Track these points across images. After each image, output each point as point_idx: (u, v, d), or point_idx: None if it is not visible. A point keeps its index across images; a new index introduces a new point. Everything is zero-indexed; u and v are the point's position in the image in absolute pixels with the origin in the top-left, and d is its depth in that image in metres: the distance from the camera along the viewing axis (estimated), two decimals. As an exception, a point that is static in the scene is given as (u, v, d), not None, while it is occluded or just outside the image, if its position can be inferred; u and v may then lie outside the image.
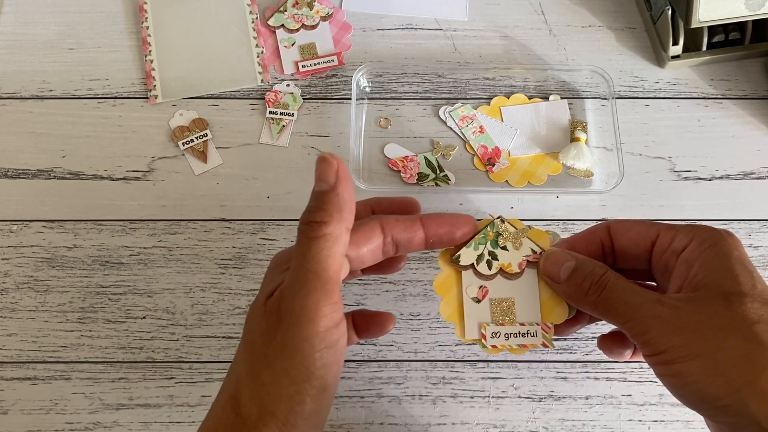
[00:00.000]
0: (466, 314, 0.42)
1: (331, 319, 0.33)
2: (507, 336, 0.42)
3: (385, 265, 0.41)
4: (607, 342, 0.40)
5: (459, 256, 0.43)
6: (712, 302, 0.32)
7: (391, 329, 0.41)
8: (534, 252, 0.42)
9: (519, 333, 0.42)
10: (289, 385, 0.33)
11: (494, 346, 0.42)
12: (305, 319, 0.33)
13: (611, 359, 0.42)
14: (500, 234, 0.43)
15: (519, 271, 0.42)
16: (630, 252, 0.38)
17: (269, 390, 0.33)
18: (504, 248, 0.43)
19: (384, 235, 0.37)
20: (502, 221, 0.42)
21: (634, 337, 0.33)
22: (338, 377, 0.35)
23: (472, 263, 0.43)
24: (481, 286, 0.42)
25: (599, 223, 0.40)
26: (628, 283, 0.35)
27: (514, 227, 0.42)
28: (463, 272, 0.43)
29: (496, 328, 0.42)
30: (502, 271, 0.42)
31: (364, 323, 0.41)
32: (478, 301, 0.43)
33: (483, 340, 0.42)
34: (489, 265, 0.43)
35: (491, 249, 0.43)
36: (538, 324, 0.42)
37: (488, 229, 0.43)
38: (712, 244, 0.34)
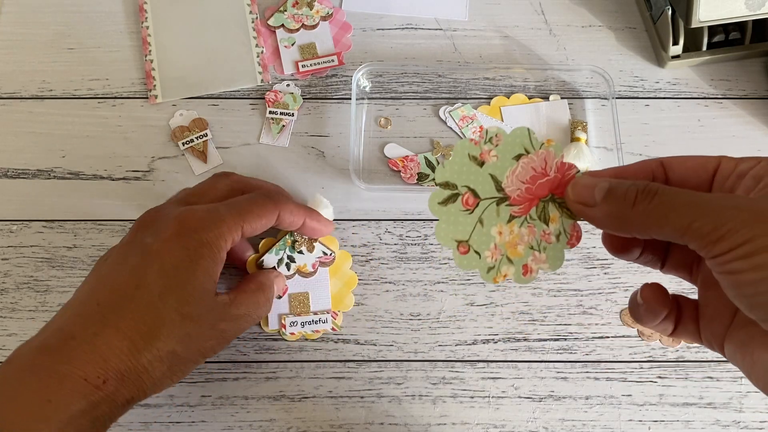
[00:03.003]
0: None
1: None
2: (303, 324, 0.53)
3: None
4: (648, 293, 0.34)
5: (263, 261, 0.52)
6: None
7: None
8: (325, 254, 0.53)
9: (312, 321, 0.53)
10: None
11: (293, 333, 0.52)
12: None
13: (642, 323, 0.35)
14: (296, 240, 0.52)
15: (313, 270, 0.53)
16: (689, 183, 0.33)
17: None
18: (300, 252, 0.52)
19: (277, 217, 0.47)
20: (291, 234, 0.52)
21: (703, 237, 0.28)
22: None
23: (274, 266, 0.52)
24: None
25: (649, 158, 0.35)
26: (681, 188, 0.30)
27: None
28: None
29: (293, 318, 0.52)
30: (299, 271, 0.53)
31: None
32: (279, 297, 0.53)
33: (283, 329, 0.53)
34: (288, 266, 0.52)
35: (289, 254, 0.52)
36: (328, 312, 0.53)
37: (287, 237, 0.52)
38: None
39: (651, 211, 0.30)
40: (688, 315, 0.33)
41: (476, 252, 0.32)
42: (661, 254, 0.35)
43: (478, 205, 0.32)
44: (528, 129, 0.33)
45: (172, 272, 0.41)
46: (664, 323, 0.34)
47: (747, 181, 0.30)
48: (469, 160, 0.32)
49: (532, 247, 0.33)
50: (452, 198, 0.32)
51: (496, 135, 0.33)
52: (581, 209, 0.32)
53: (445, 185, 0.32)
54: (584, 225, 0.39)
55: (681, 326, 0.34)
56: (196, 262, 0.42)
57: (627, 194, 0.30)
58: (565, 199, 0.33)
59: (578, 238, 0.33)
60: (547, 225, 0.33)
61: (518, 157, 0.33)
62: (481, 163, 0.33)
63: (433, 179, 0.34)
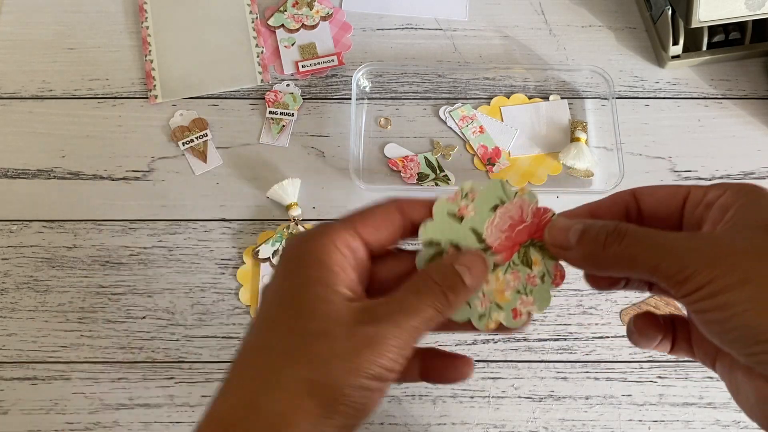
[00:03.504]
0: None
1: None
2: None
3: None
4: (640, 323, 0.35)
5: (258, 251, 0.53)
6: (755, 234, 0.29)
7: (470, 376, 0.36)
8: None
9: None
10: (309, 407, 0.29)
11: None
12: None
13: (640, 347, 0.36)
14: (292, 232, 0.52)
15: None
16: (660, 213, 0.33)
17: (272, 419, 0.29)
18: None
19: (401, 216, 0.35)
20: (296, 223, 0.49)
21: (669, 278, 0.29)
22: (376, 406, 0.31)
23: (269, 257, 0.52)
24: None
25: (621, 190, 0.35)
26: (649, 228, 0.31)
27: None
28: (261, 264, 0.55)
29: None
30: None
31: (436, 365, 0.36)
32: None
33: None
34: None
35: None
36: None
37: (284, 229, 0.53)
38: (749, 191, 0.31)
39: (621, 253, 0.30)
40: (682, 336, 0.34)
41: (467, 303, 0.33)
42: (644, 283, 0.35)
43: None
44: (501, 181, 0.34)
45: (278, 297, 0.34)
46: (661, 345, 0.34)
47: (714, 211, 0.31)
48: (449, 218, 0.34)
49: (519, 292, 0.34)
50: (438, 255, 0.34)
51: (471, 190, 0.34)
52: (559, 252, 0.33)
53: (429, 244, 0.34)
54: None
55: (677, 346, 0.34)
56: (298, 274, 0.34)
57: (598, 237, 0.31)
58: (544, 242, 0.34)
59: (562, 277, 0.34)
60: (531, 268, 0.34)
61: (495, 208, 0.34)
62: (461, 219, 0.34)
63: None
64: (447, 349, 0.55)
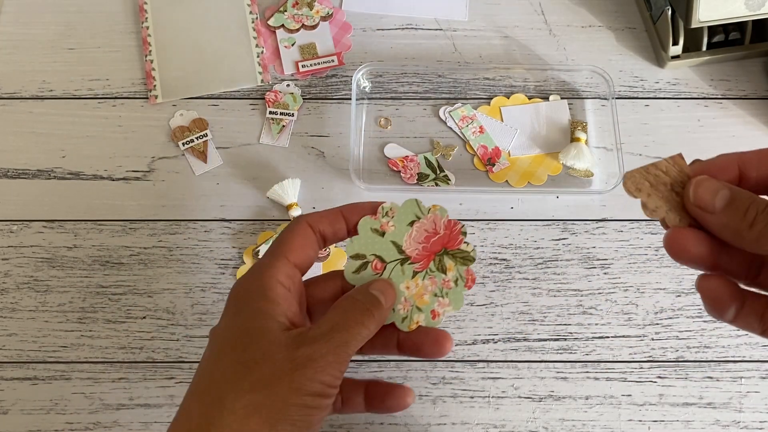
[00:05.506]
0: None
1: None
2: None
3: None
4: (715, 286, 0.31)
5: (258, 251, 0.55)
6: None
7: (410, 404, 0.39)
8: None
9: None
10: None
11: None
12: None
13: (713, 317, 0.32)
14: None
15: None
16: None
17: None
18: None
19: (314, 232, 0.38)
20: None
21: None
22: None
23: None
24: None
25: (722, 154, 0.33)
26: None
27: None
28: None
29: None
30: None
31: (379, 394, 0.39)
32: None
33: None
34: None
35: None
36: None
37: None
38: None
39: None
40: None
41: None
42: (742, 268, 0.33)
43: (385, 268, 0.38)
44: (415, 200, 0.39)
45: (223, 334, 0.36)
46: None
47: None
48: (372, 233, 0.38)
49: (436, 295, 0.38)
50: (363, 266, 0.38)
51: (390, 209, 0.39)
52: (698, 213, 0.31)
53: (356, 256, 0.38)
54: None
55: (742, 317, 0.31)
56: (242, 310, 0.36)
57: (748, 212, 0.30)
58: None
59: (473, 281, 0.38)
60: (445, 274, 0.38)
61: (412, 223, 0.38)
62: (383, 234, 0.38)
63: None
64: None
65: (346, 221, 0.39)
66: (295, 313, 0.36)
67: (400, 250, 0.38)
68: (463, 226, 0.38)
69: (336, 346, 0.33)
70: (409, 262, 0.38)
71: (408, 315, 0.38)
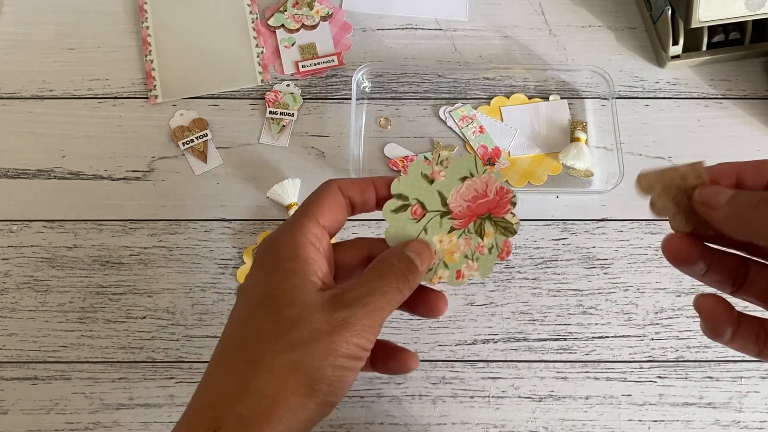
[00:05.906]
0: None
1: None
2: None
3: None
4: (713, 305, 0.32)
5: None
6: None
7: (414, 369, 0.39)
8: None
9: None
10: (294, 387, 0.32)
11: None
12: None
13: (711, 337, 0.33)
14: None
15: None
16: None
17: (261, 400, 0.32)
18: None
19: (344, 197, 0.38)
20: None
21: None
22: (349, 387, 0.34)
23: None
24: None
25: (721, 162, 0.35)
26: None
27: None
28: None
29: None
30: None
31: (384, 355, 0.39)
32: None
33: None
34: None
35: None
36: None
37: None
38: None
39: None
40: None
41: None
42: (730, 276, 0.34)
43: (424, 215, 0.37)
44: (475, 156, 0.37)
45: (256, 290, 0.36)
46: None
47: None
48: (422, 178, 0.37)
49: (466, 256, 0.37)
50: (403, 208, 0.37)
51: (447, 158, 0.37)
52: (704, 209, 0.33)
53: (399, 196, 0.37)
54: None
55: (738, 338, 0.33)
56: (274, 268, 0.36)
57: (750, 200, 0.31)
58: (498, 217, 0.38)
59: (508, 253, 0.37)
60: (482, 239, 0.37)
61: (464, 179, 0.37)
62: (432, 181, 0.37)
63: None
64: (447, 348, 0.56)
65: (376, 192, 0.38)
66: (326, 274, 0.36)
67: (444, 203, 0.37)
68: (515, 195, 0.37)
69: (372, 311, 0.34)
70: (449, 216, 0.37)
71: (434, 268, 0.37)
